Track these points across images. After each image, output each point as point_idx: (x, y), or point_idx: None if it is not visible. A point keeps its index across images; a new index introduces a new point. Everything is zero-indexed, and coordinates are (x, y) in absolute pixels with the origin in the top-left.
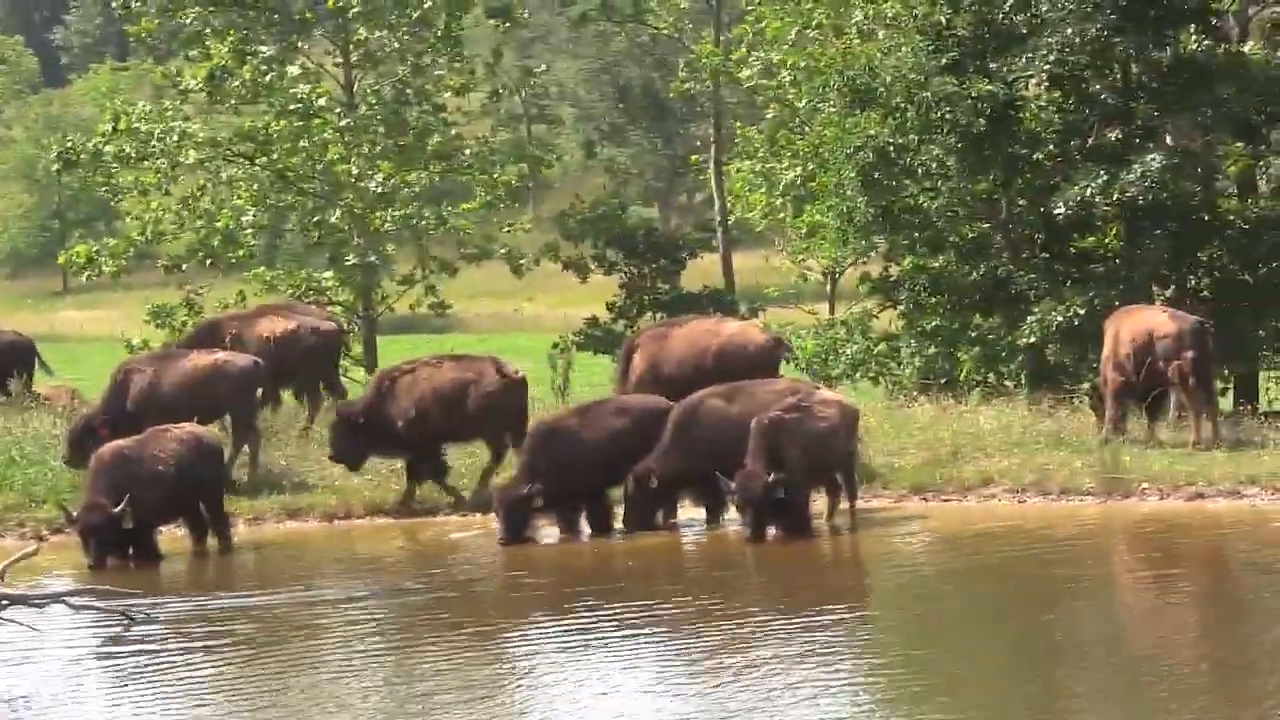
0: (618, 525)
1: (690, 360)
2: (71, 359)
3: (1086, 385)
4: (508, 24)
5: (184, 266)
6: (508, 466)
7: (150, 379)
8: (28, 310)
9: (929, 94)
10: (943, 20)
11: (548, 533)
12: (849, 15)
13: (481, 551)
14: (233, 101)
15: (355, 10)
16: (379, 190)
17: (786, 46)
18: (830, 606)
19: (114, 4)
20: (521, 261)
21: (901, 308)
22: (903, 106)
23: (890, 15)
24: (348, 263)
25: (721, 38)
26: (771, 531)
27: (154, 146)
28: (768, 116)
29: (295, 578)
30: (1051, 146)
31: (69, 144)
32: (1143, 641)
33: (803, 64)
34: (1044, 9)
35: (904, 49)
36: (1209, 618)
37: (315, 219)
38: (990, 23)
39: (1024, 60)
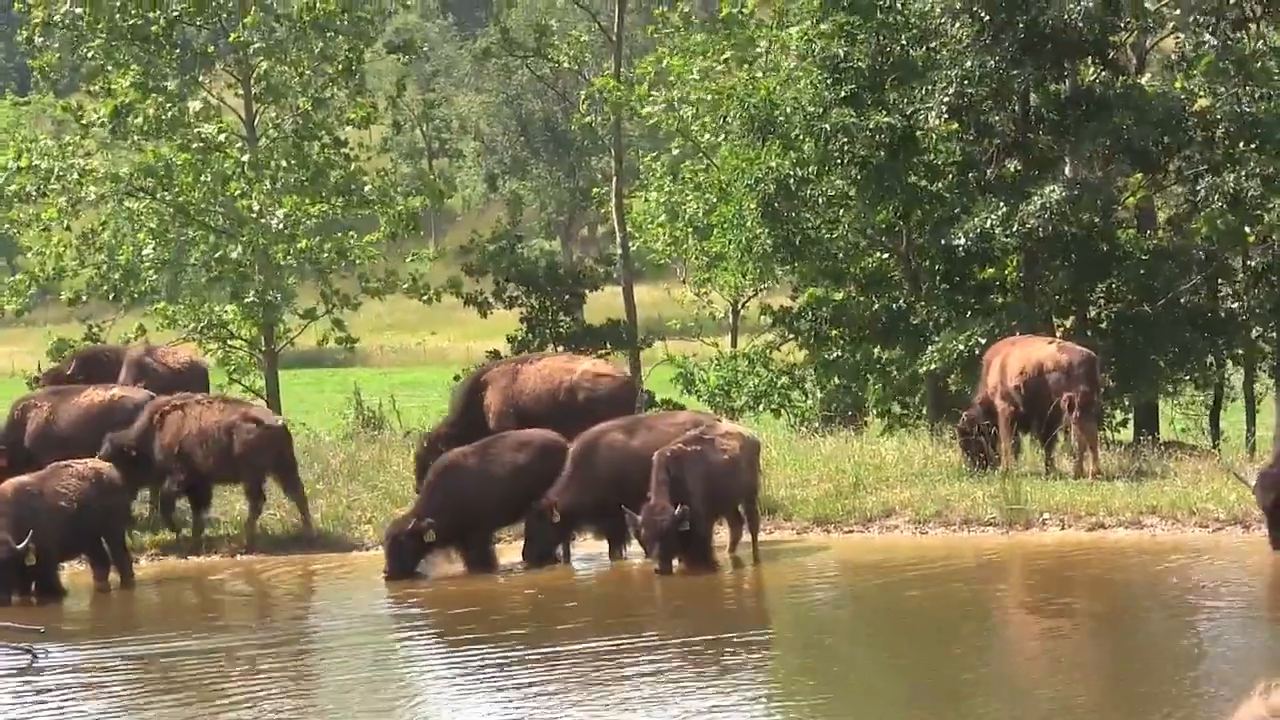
0: (505, 561)
1: (546, 395)
2: None
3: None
4: (409, 58)
5: (86, 300)
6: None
7: (47, 415)
8: None
9: (827, 126)
10: (840, 53)
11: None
12: (752, 48)
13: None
14: (135, 137)
15: (257, 45)
16: (280, 226)
17: (692, 79)
18: (732, 637)
19: (18, 37)
20: (427, 294)
21: (803, 339)
22: (801, 138)
23: (793, 47)
24: (248, 299)
25: (623, 72)
26: (675, 564)
27: (54, 185)
28: (670, 148)
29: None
30: (951, 178)
31: None
32: (1036, 675)
33: (706, 97)
34: (942, 42)
35: (803, 81)
36: (1106, 651)
37: (217, 254)
38: (888, 55)
39: (923, 92)
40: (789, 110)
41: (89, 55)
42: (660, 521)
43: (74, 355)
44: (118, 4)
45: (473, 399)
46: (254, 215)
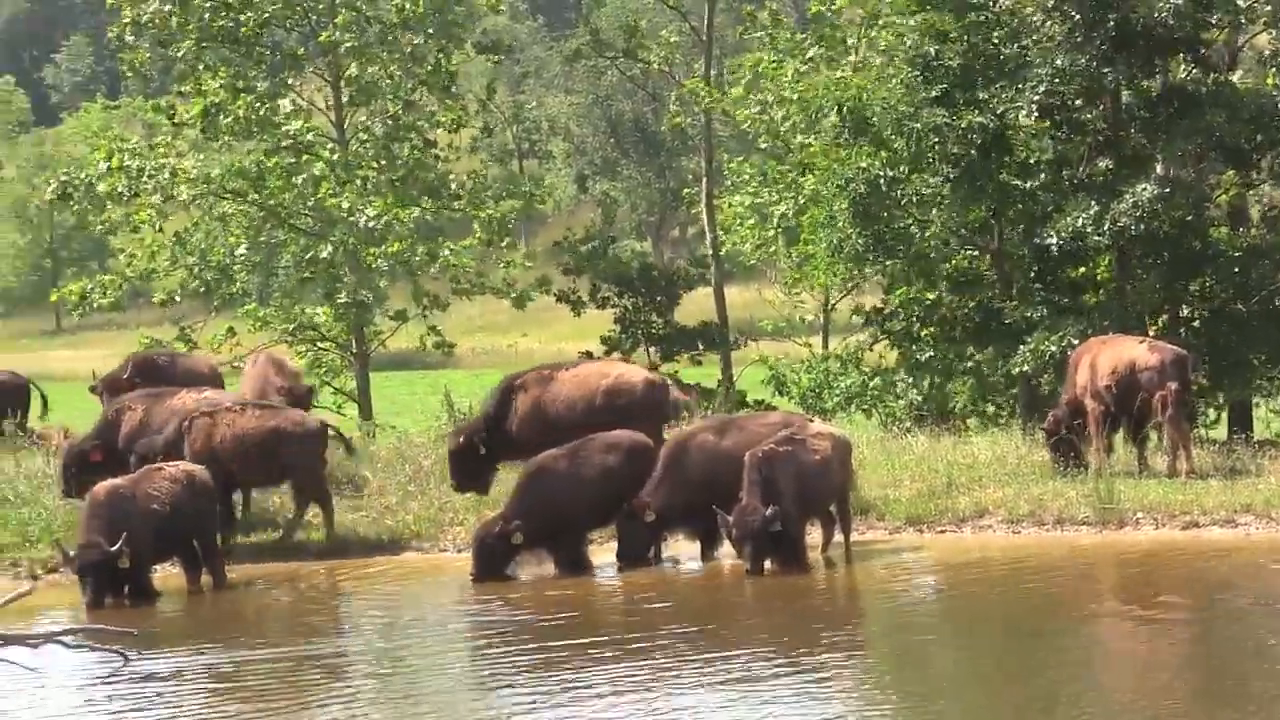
0: (599, 562)
1: (580, 400)
2: (64, 398)
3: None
4: (499, 59)
5: (179, 300)
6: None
7: (141, 416)
8: (20, 350)
9: (919, 125)
10: (932, 51)
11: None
12: (841, 47)
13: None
14: (226, 137)
15: (347, 46)
16: (372, 226)
17: (785, 80)
18: (826, 639)
19: (109, 35)
20: (520, 294)
21: (894, 340)
22: (893, 137)
23: (883, 47)
24: (340, 300)
25: (713, 72)
26: (767, 565)
27: (146, 183)
28: (759, 148)
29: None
30: (1043, 176)
31: (65, 177)
32: (1130, 675)
33: (795, 97)
34: (1033, 39)
35: (894, 81)
36: (1201, 651)
37: (308, 255)
38: (980, 54)
39: (1014, 91)
40: (880, 109)
41: (179, 56)
42: (752, 522)
43: (128, 359)
44: (208, 5)
45: (506, 401)
46: (345, 215)
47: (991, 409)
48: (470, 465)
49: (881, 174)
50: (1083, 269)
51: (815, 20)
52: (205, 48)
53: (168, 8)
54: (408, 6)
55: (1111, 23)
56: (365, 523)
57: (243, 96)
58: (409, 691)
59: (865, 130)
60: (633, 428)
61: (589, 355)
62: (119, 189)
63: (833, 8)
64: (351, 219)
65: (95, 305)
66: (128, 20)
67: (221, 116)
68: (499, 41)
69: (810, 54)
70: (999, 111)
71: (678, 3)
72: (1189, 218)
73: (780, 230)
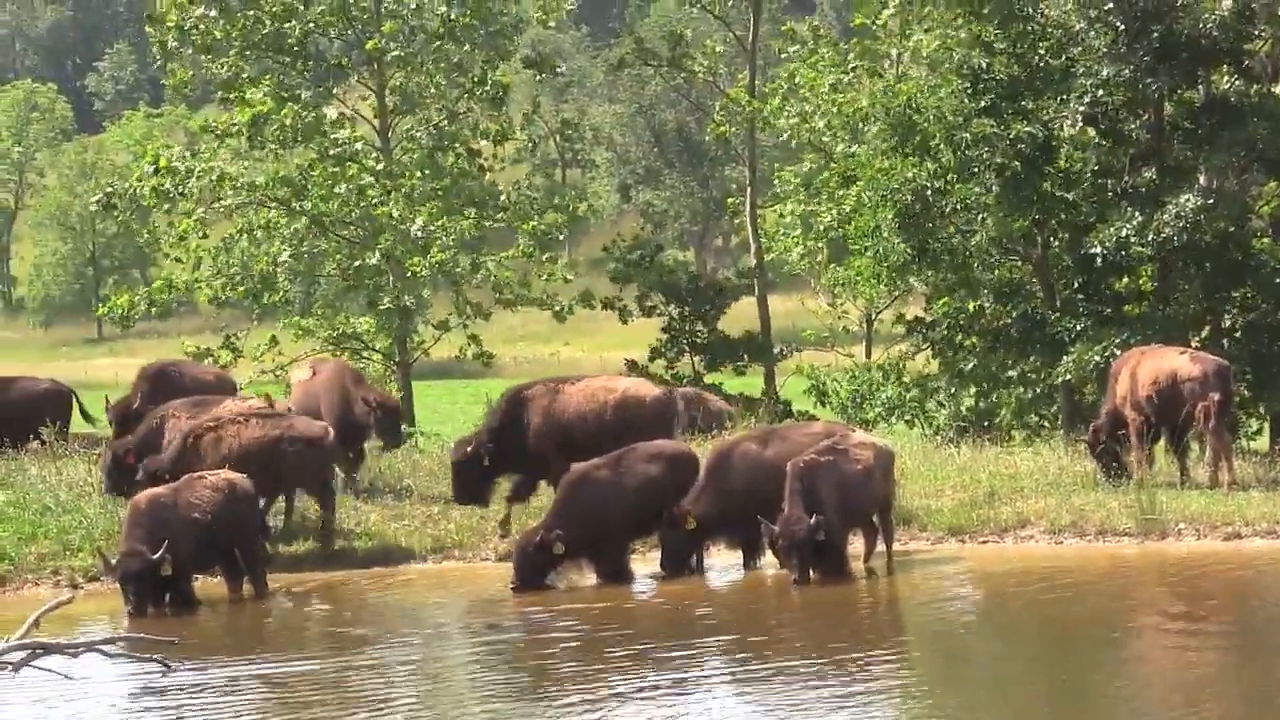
0: (642, 570)
1: (590, 413)
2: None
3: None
4: (543, 74)
5: (225, 300)
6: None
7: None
8: (63, 358)
9: (968, 135)
10: (981, 64)
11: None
12: (884, 58)
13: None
14: (272, 146)
15: (393, 55)
16: (418, 235)
17: (823, 92)
18: (868, 649)
19: (153, 48)
20: (559, 308)
21: (936, 349)
22: (941, 147)
23: (925, 54)
24: (384, 306)
25: (757, 82)
26: (811, 574)
27: (192, 186)
28: (804, 159)
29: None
30: (1087, 186)
31: (110, 186)
32: (1173, 686)
33: (835, 109)
34: (1078, 51)
35: (942, 90)
36: (1243, 662)
37: (355, 264)
38: (1027, 64)
39: (1059, 101)
40: (931, 119)
41: (224, 66)
42: (796, 531)
43: (137, 386)
44: (252, 15)
45: (513, 414)
46: (393, 221)
47: (1034, 419)
48: (473, 478)
49: (927, 184)
50: (1126, 279)
51: (859, 31)
52: (248, 58)
53: (212, 12)
54: (454, 16)
55: (1155, 34)
56: (406, 532)
57: (289, 105)
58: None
59: (912, 138)
60: (644, 440)
61: (633, 364)
62: (166, 188)
63: (878, 21)
64: (401, 226)
65: (140, 315)
66: (172, 26)
67: (268, 126)
68: (545, 58)
69: (852, 65)
70: (1045, 121)
71: (723, 12)
72: (1231, 229)
73: (825, 239)
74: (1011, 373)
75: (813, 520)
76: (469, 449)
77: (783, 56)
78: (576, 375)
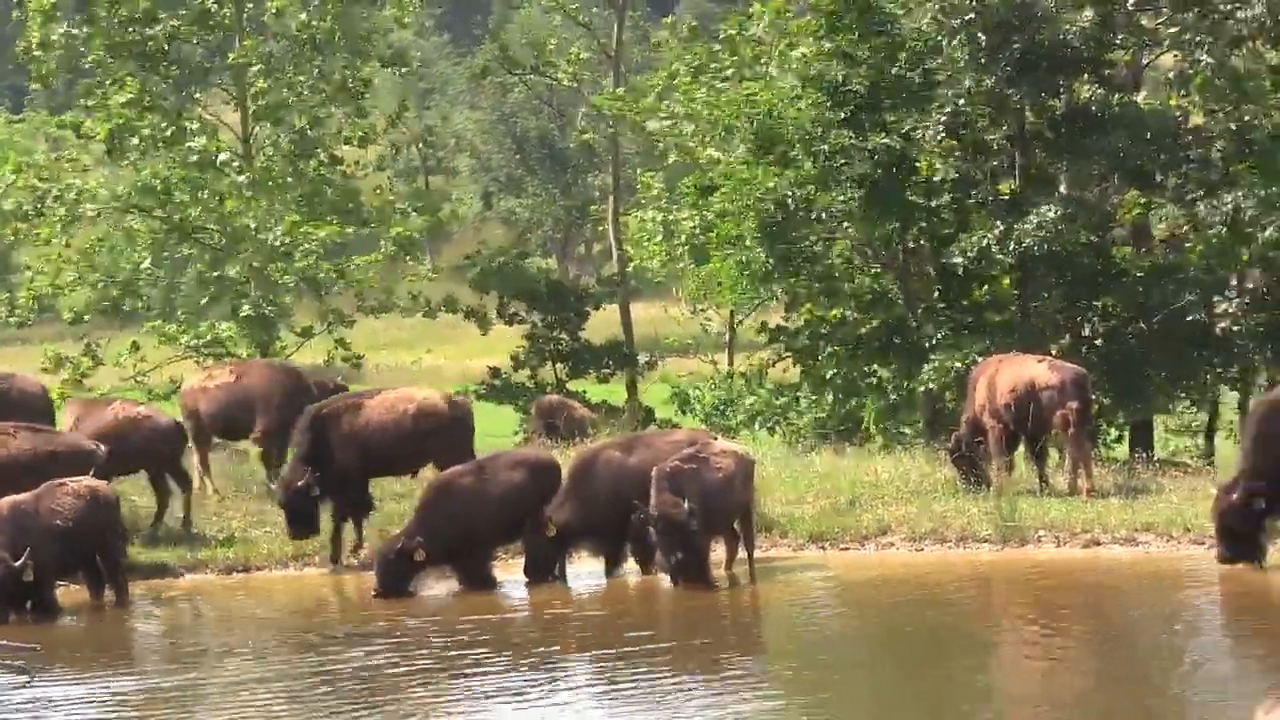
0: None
1: (391, 424)
2: None
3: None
4: (405, 71)
5: (87, 318)
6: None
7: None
8: None
9: (826, 146)
10: (840, 76)
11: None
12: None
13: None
14: (133, 156)
15: (256, 68)
16: (279, 244)
17: (699, 94)
18: (730, 656)
19: (17, 49)
20: (426, 310)
21: (798, 357)
22: (801, 158)
23: (793, 68)
24: (244, 314)
25: (620, 89)
26: (670, 582)
27: (51, 204)
28: (667, 163)
29: None
30: (948, 196)
31: None
32: (1030, 691)
33: (707, 112)
34: (939, 62)
35: (803, 102)
36: (1101, 667)
37: (215, 274)
38: (886, 76)
39: (919, 113)
40: (790, 129)
41: (86, 68)
42: (674, 514)
43: None
44: (116, 21)
45: (319, 437)
46: (252, 231)
47: (896, 427)
48: (307, 511)
49: (789, 193)
50: (986, 288)
51: (726, 42)
52: (112, 62)
53: (75, 31)
54: (314, 23)
55: (1016, 44)
56: (268, 539)
57: (148, 116)
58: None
59: (773, 148)
60: (444, 448)
61: (496, 371)
62: (24, 207)
63: (746, 32)
64: (260, 236)
65: (2, 321)
66: (36, 38)
67: (129, 137)
68: (403, 53)
69: (728, 72)
70: (904, 131)
71: (586, 20)
72: (1092, 238)
73: (687, 247)
74: (872, 380)
75: (687, 506)
76: (299, 485)
77: (656, 52)
78: (370, 390)
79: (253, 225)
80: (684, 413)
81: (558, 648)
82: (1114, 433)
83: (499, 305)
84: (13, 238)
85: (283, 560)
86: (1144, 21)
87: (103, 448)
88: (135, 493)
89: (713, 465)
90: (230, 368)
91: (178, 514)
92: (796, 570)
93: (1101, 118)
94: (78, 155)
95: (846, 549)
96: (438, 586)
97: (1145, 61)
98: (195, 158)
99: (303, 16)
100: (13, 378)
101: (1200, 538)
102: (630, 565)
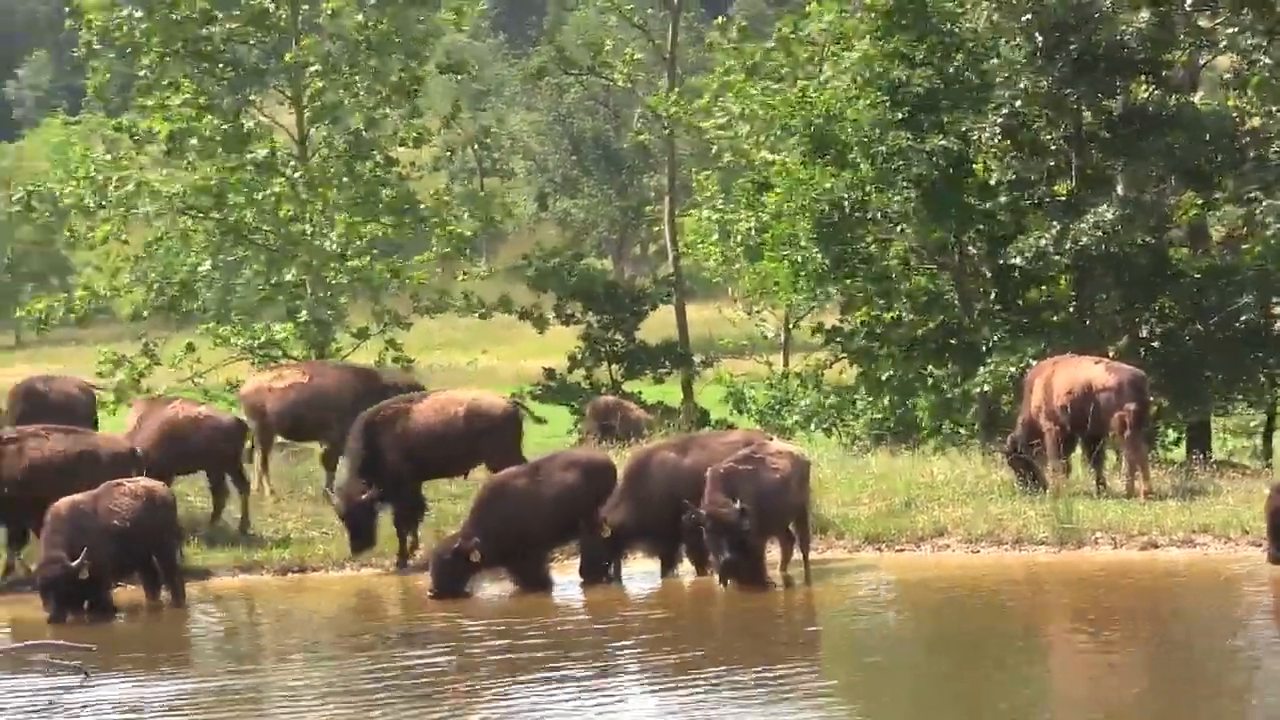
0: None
1: (441, 425)
2: None
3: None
4: (461, 78)
5: (145, 315)
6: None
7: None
8: None
9: (884, 147)
10: (901, 77)
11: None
12: (809, 66)
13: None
14: (191, 157)
15: (313, 68)
16: (334, 247)
17: (753, 93)
18: (785, 658)
19: (79, 47)
20: (481, 310)
21: (854, 358)
22: (858, 159)
23: (846, 67)
24: (301, 318)
25: (675, 90)
26: (727, 584)
27: (110, 197)
28: (722, 165)
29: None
30: (1005, 197)
31: (30, 188)
32: (1084, 694)
33: (762, 112)
34: (996, 62)
35: (860, 103)
36: (1157, 670)
37: (272, 281)
38: (945, 77)
39: (977, 113)
40: (849, 130)
41: (143, 70)
42: (724, 514)
43: (14, 396)
44: (175, 17)
45: (371, 443)
46: (307, 237)
47: (950, 428)
48: (369, 525)
49: (845, 194)
50: (1043, 289)
51: (781, 42)
52: (168, 62)
53: (138, 14)
54: (371, 25)
55: (1073, 45)
56: (324, 539)
57: (208, 117)
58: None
59: (828, 150)
60: (496, 447)
61: (551, 373)
62: (85, 200)
63: (802, 33)
64: (316, 243)
65: (59, 321)
66: (96, 27)
67: (188, 139)
68: (462, 61)
69: (782, 71)
70: (962, 132)
71: (641, 21)
72: (1149, 238)
73: (743, 247)
74: (928, 381)
75: (739, 505)
76: (364, 498)
77: (709, 53)
78: (421, 394)
79: (309, 231)
80: (739, 412)
81: (612, 648)
82: (1171, 434)
83: (556, 305)
84: (71, 236)
85: (339, 562)
86: (1201, 22)
87: (140, 449)
88: (192, 493)
89: (769, 466)
90: (302, 368)
91: (235, 514)
92: (852, 572)
93: (1159, 118)
94: (135, 155)
95: (902, 550)
96: (493, 587)
97: (1202, 62)
98: (253, 160)
99: (359, 17)
100: (53, 380)
101: (1258, 539)
102: (685, 566)
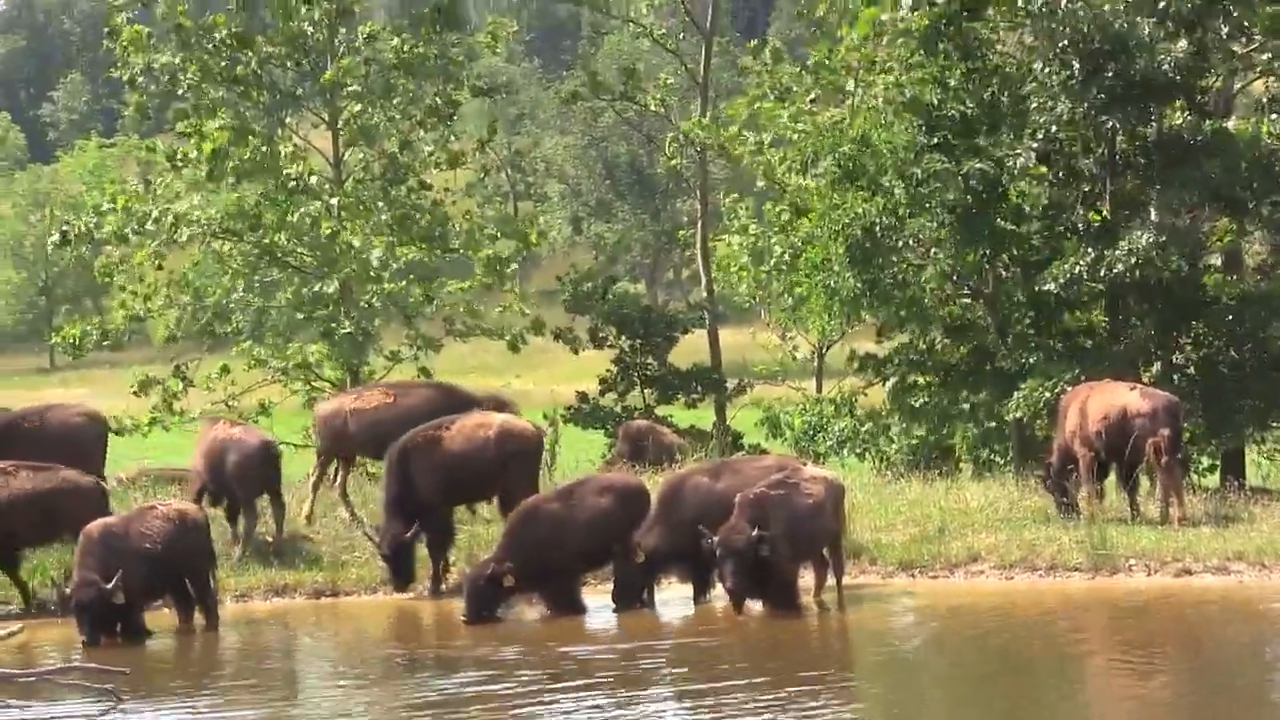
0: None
1: (473, 451)
2: None
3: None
4: (495, 101)
5: (178, 338)
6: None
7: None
8: (13, 387)
9: (918, 170)
10: (935, 101)
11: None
12: (842, 91)
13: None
14: (230, 179)
15: (350, 89)
16: (378, 263)
17: (782, 121)
18: (819, 684)
19: (119, 74)
20: (512, 338)
21: (889, 385)
22: (892, 183)
23: (879, 91)
24: (343, 332)
25: (708, 115)
26: (759, 607)
27: (150, 227)
28: (756, 190)
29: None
30: (1039, 222)
31: (66, 223)
32: None
33: (794, 138)
34: (1033, 87)
35: (895, 126)
36: (1194, 698)
37: (312, 293)
38: (980, 101)
39: (1011, 137)
40: (885, 153)
41: (181, 96)
42: (734, 541)
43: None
44: (210, 47)
45: (404, 474)
46: (352, 250)
47: (986, 454)
48: (409, 563)
49: (878, 220)
50: (1077, 314)
51: (815, 68)
52: (204, 89)
53: (178, 59)
54: (407, 48)
55: (1110, 72)
56: (357, 563)
57: (249, 140)
58: None
59: (859, 176)
60: (524, 469)
61: (584, 396)
62: (124, 230)
63: (835, 58)
64: (362, 256)
65: (93, 345)
66: (140, 66)
67: (228, 161)
68: (497, 86)
69: (811, 95)
70: (997, 158)
71: (675, 46)
72: (1184, 265)
73: (776, 272)
74: (963, 407)
75: (754, 532)
76: (406, 537)
77: (742, 77)
78: (448, 419)
79: (357, 243)
80: (774, 436)
81: (645, 674)
82: (1206, 461)
83: (590, 329)
84: (106, 267)
85: (371, 585)
86: (1235, 48)
87: (106, 485)
88: (223, 516)
89: (803, 491)
90: (383, 388)
91: (268, 538)
92: (885, 598)
93: (1193, 145)
94: (171, 180)
95: (936, 577)
96: (526, 612)
97: (1236, 87)
98: (292, 183)
99: (395, 41)
100: (50, 409)
101: None
102: (718, 591)
